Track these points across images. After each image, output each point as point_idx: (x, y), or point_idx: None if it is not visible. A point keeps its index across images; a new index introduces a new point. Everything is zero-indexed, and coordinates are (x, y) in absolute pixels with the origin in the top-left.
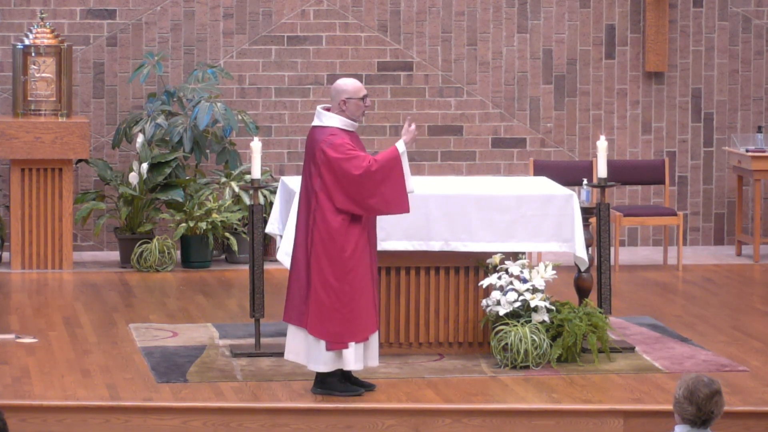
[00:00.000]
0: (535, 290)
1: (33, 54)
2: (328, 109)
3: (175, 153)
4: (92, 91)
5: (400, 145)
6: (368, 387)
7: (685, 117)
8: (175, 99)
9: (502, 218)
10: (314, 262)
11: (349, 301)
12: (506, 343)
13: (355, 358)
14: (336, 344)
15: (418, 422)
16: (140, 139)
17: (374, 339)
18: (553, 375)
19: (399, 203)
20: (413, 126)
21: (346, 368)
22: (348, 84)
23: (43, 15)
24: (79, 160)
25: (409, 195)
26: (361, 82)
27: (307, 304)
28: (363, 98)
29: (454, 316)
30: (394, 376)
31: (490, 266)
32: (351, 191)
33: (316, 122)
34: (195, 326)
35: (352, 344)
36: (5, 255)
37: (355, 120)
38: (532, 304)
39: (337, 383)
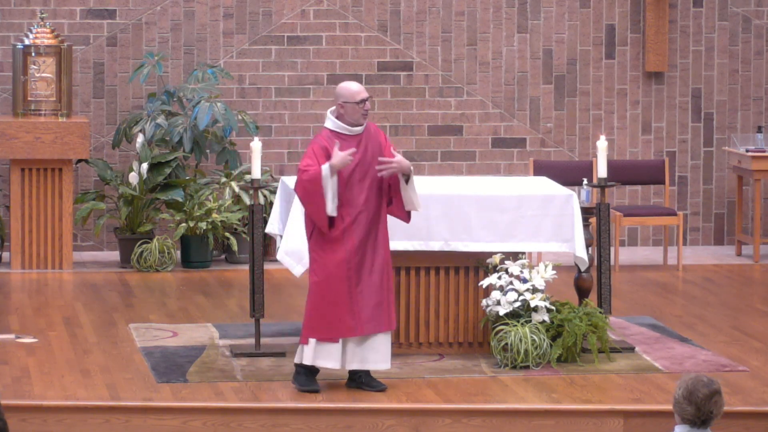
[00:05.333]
0: (535, 290)
1: (33, 54)
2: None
3: (175, 153)
4: (92, 91)
5: (325, 169)
6: (378, 388)
7: (685, 117)
8: (175, 99)
9: (502, 218)
10: None
11: (312, 295)
12: (506, 343)
13: (313, 355)
14: (302, 337)
15: (418, 422)
16: (140, 139)
17: (375, 343)
18: (553, 375)
19: (317, 221)
20: (345, 153)
21: (305, 362)
22: (345, 88)
23: (43, 15)
24: (79, 160)
25: (330, 215)
26: (361, 82)
27: None
28: (360, 102)
29: (454, 316)
30: (394, 376)
31: (490, 266)
32: None
33: None
34: (195, 326)
35: (312, 341)
36: (5, 255)
37: (354, 124)
38: (532, 304)
39: (299, 375)
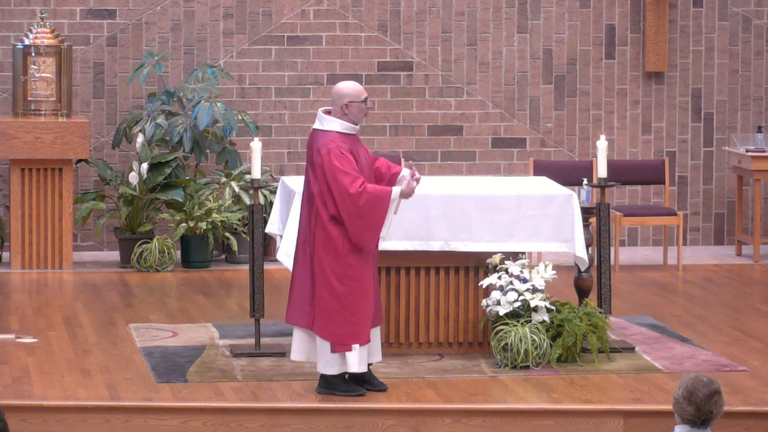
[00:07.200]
0: (535, 290)
1: (33, 54)
2: (329, 112)
3: (175, 153)
4: (92, 91)
5: (396, 192)
6: (379, 387)
7: (685, 117)
8: (175, 99)
9: (502, 218)
10: (317, 265)
11: (351, 303)
12: (506, 343)
13: (359, 361)
14: (340, 346)
15: (418, 422)
16: (140, 139)
17: (375, 336)
18: (553, 375)
19: (365, 240)
20: (415, 184)
21: (350, 370)
22: (349, 87)
23: (43, 15)
24: (79, 160)
25: (381, 238)
26: (361, 82)
27: (312, 305)
28: (365, 100)
29: (454, 316)
30: (394, 376)
31: (490, 266)
32: (339, 204)
33: (317, 125)
34: (195, 326)
35: (356, 347)
36: (5, 255)
37: (357, 122)
38: (532, 304)
39: (340, 383)
